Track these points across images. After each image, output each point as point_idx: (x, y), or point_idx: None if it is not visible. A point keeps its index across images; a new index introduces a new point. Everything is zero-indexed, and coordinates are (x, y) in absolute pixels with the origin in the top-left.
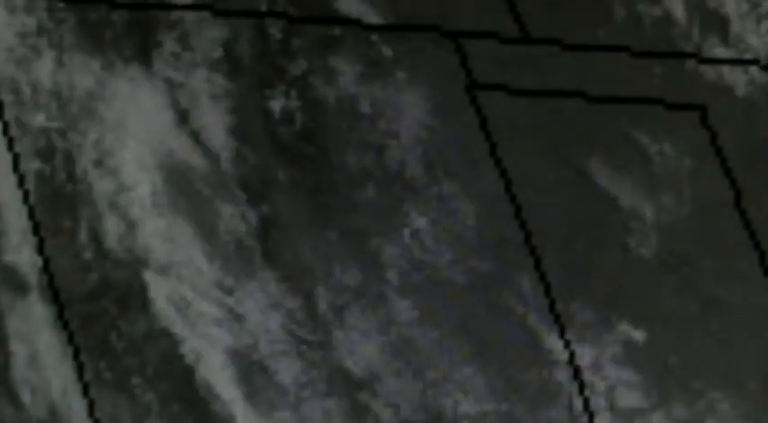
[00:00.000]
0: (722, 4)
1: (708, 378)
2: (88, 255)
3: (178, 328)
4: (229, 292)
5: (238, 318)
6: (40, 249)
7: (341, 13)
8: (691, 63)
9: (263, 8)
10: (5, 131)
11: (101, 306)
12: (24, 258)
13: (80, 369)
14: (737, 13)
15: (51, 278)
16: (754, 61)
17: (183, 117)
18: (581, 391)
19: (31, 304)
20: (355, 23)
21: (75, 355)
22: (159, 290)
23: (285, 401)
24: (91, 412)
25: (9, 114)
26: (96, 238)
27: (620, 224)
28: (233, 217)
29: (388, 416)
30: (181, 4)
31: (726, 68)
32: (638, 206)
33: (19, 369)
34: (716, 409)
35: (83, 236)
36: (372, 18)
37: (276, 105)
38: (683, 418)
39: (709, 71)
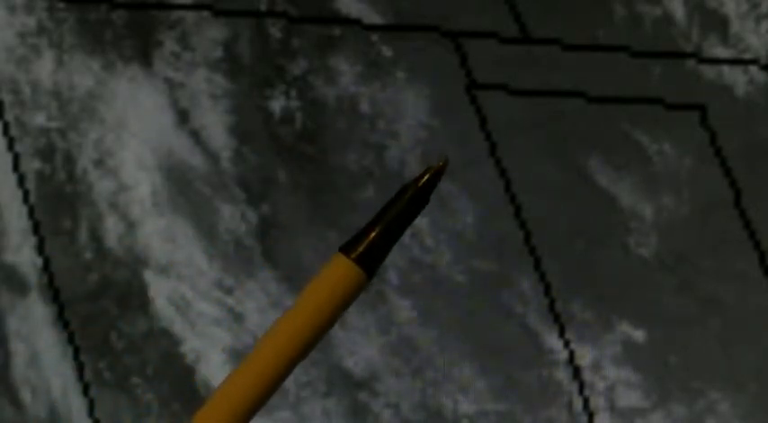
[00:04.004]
0: (722, 4)
1: (708, 378)
2: (88, 255)
3: (178, 328)
4: (229, 291)
5: (238, 318)
6: (40, 249)
7: (341, 13)
8: (690, 63)
9: (263, 8)
10: (5, 131)
11: (101, 306)
12: (24, 258)
13: (80, 369)
14: (737, 13)
15: (51, 278)
16: (754, 61)
17: (183, 117)
18: (581, 390)
19: (31, 304)
20: (355, 23)
21: (75, 355)
22: (159, 290)
23: (285, 401)
24: (91, 412)
25: (9, 114)
26: (96, 237)
27: (620, 224)
28: (233, 217)
29: (388, 416)
30: (181, 3)
31: (725, 68)
32: (638, 206)
33: (19, 369)
34: (716, 409)
35: (83, 236)
36: (372, 18)
37: (276, 105)
38: (683, 418)
39: (708, 71)
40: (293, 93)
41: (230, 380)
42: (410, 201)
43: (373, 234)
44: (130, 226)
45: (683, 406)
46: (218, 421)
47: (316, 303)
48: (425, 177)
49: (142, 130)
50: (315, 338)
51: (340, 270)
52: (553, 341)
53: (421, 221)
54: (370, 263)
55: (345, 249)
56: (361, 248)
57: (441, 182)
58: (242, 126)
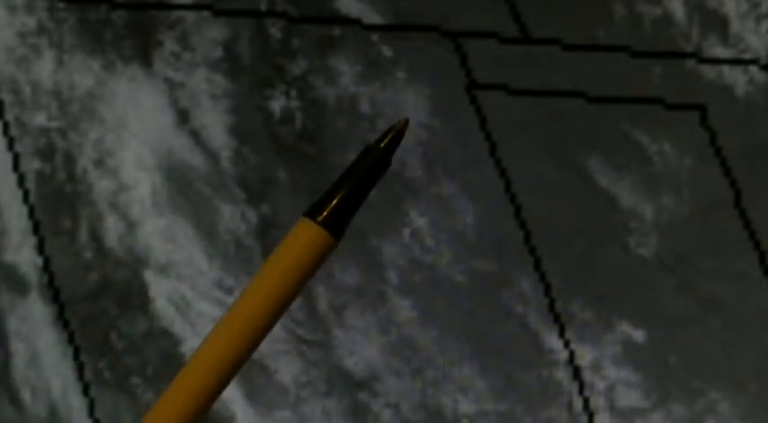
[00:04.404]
0: (722, 4)
1: (708, 378)
2: (88, 254)
3: (178, 327)
4: (229, 291)
5: None
6: (40, 249)
7: (341, 13)
8: (690, 63)
9: (263, 8)
10: (5, 131)
11: (101, 306)
12: (24, 258)
13: (80, 369)
14: (737, 12)
15: (51, 278)
16: (754, 61)
17: (183, 117)
18: (581, 390)
19: (31, 304)
20: (355, 23)
21: (76, 355)
22: (159, 290)
23: (285, 401)
24: (91, 412)
25: (9, 114)
26: (96, 237)
27: (620, 224)
28: (233, 217)
29: (388, 415)
30: (181, 3)
31: (726, 68)
32: (638, 206)
33: (19, 369)
34: (716, 409)
35: (83, 236)
36: (372, 18)
37: (276, 105)
38: (683, 418)
39: (708, 71)
40: (293, 93)
41: (202, 348)
42: (373, 162)
43: (338, 197)
44: (130, 226)
45: (683, 406)
46: (204, 376)
47: (285, 268)
48: (387, 138)
49: (142, 130)
50: (286, 302)
51: (307, 234)
52: (553, 341)
53: (421, 221)
54: (337, 226)
55: (311, 214)
56: (326, 212)
57: (441, 182)
58: (242, 126)
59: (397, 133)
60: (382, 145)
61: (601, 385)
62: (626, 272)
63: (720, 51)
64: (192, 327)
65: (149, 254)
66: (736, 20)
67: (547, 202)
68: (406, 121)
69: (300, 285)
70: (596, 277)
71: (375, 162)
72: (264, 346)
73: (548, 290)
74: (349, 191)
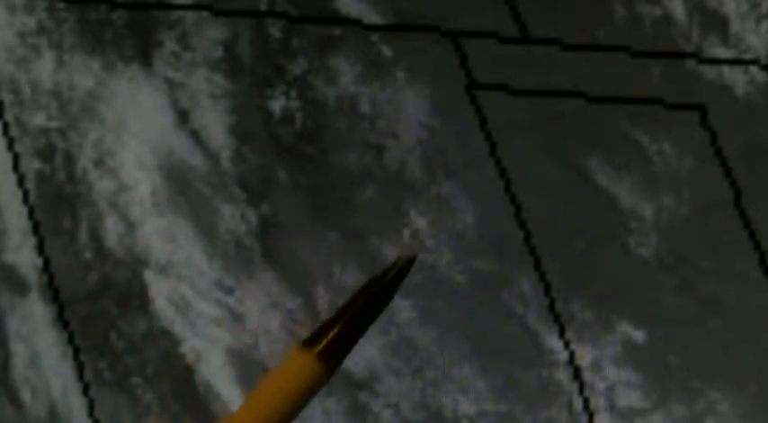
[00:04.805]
0: (722, 4)
1: (708, 378)
2: (88, 255)
3: (178, 328)
4: (229, 292)
5: (238, 318)
6: (40, 249)
7: (341, 13)
8: (690, 63)
9: (263, 8)
10: (5, 131)
11: (101, 306)
12: (24, 258)
13: (80, 369)
14: (737, 13)
15: (51, 278)
16: (754, 61)
17: (183, 117)
18: (581, 390)
19: (31, 304)
20: (355, 23)
21: (75, 355)
22: (159, 290)
23: None
24: (91, 412)
25: (9, 114)
26: (96, 237)
27: (620, 224)
28: (233, 217)
29: (388, 416)
30: (181, 4)
31: (726, 68)
32: (638, 206)
33: (19, 369)
34: (716, 409)
35: (83, 236)
36: (372, 18)
37: (276, 105)
38: (683, 418)
39: (708, 71)
40: (293, 93)
41: None
42: (375, 294)
43: (337, 328)
44: (130, 226)
45: (683, 406)
46: None
47: (275, 398)
48: (392, 272)
49: (142, 130)
50: None
51: (301, 366)
52: (553, 341)
53: (421, 221)
54: (333, 358)
55: (308, 342)
56: (324, 343)
57: (441, 182)
58: (242, 126)
59: (402, 267)
60: (388, 278)
61: (601, 385)
62: (626, 272)
63: (720, 51)
64: (192, 327)
65: (149, 254)
66: (736, 20)
67: (547, 202)
68: (415, 257)
69: (290, 416)
70: (596, 277)
71: (378, 295)
72: (264, 347)
73: (548, 290)
74: (348, 322)
